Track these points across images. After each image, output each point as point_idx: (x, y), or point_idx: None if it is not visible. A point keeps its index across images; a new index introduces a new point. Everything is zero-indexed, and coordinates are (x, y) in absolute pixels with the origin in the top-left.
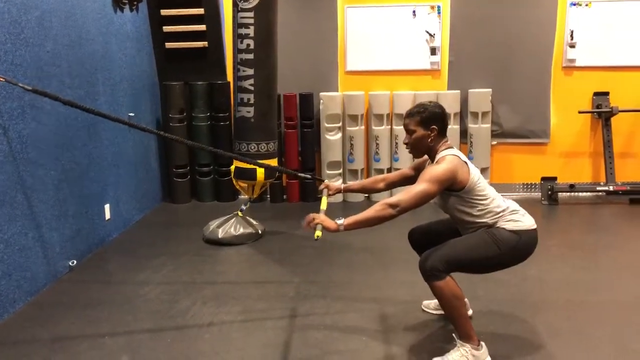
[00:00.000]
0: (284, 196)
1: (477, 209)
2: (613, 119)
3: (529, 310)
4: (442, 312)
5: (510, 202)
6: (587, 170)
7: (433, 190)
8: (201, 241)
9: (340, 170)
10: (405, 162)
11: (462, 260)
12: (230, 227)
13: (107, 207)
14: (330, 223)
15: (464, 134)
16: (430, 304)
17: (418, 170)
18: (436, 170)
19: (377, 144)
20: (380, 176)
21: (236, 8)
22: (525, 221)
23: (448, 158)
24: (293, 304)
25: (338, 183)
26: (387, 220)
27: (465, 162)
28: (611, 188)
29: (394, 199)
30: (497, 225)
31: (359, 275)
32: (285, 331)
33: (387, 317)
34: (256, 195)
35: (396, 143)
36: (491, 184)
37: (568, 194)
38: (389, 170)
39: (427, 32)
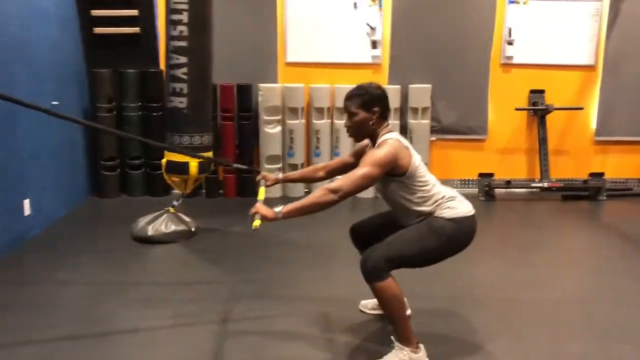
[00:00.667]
0: (220, 191)
1: (418, 195)
2: (548, 117)
3: (466, 309)
4: (379, 312)
5: (448, 189)
6: (522, 167)
7: (375, 173)
8: (130, 239)
9: (280, 165)
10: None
11: (403, 256)
12: (160, 224)
13: (26, 202)
14: (267, 211)
15: (404, 129)
16: (368, 304)
17: (359, 156)
18: (378, 153)
19: (317, 138)
20: (320, 165)
21: None
22: (462, 207)
23: (390, 142)
24: (227, 306)
25: (275, 174)
26: (329, 207)
27: (407, 147)
28: (545, 185)
29: (334, 184)
30: (436, 214)
31: (298, 274)
32: (218, 336)
33: (326, 318)
34: (189, 190)
35: (337, 137)
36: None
37: (504, 190)
38: None
39: (368, 25)
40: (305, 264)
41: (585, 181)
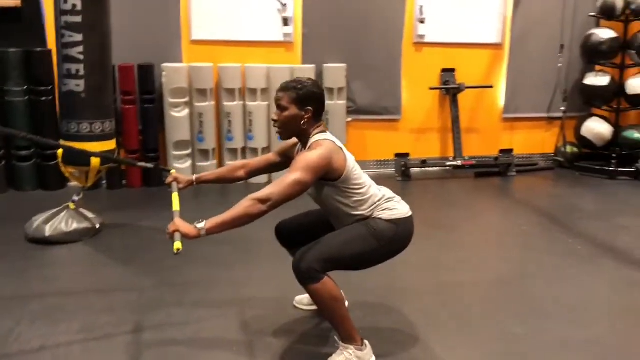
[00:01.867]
0: (123, 181)
1: (354, 199)
2: (459, 96)
3: (402, 297)
4: (314, 306)
5: (385, 190)
6: (436, 146)
7: (307, 179)
8: (24, 241)
9: (190, 151)
10: (261, 141)
11: (340, 258)
12: (60, 222)
13: None
14: (188, 228)
15: None
16: (304, 300)
17: (284, 155)
18: (310, 157)
19: (229, 122)
20: (239, 163)
21: None
22: (400, 209)
23: (323, 143)
24: (145, 314)
25: (187, 176)
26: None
27: (341, 149)
28: (459, 163)
29: (263, 193)
30: (374, 216)
31: (221, 273)
32: (136, 349)
33: (257, 320)
34: (91, 183)
35: (250, 120)
36: None
37: (420, 169)
38: (243, 150)
39: (279, 1)
40: (228, 262)
41: (496, 158)
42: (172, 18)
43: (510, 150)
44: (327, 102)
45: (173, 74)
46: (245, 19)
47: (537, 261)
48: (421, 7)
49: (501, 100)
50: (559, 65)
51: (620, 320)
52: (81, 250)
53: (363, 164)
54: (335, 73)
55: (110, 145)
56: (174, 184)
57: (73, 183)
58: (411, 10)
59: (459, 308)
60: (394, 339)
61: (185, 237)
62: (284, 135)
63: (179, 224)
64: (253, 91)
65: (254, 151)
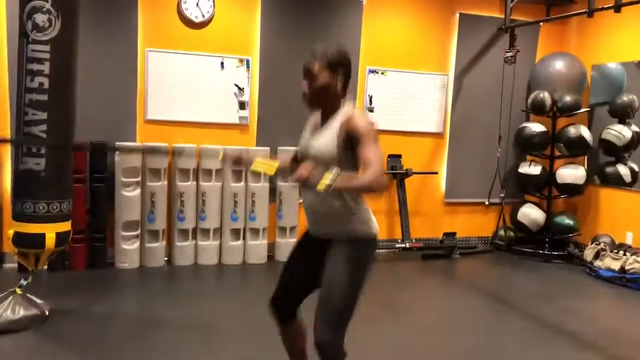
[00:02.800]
0: (66, 262)
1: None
2: (405, 180)
3: None
4: None
5: None
6: (383, 228)
7: (379, 147)
8: None
9: (138, 232)
10: (213, 222)
11: (348, 309)
12: (6, 309)
13: None
14: (317, 177)
15: (272, 192)
16: None
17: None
18: (371, 127)
19: (182, 202)
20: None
21: (26, 39)
22: (376, 224)
23: (360, 112)
24: None
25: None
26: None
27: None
28: (407, 245)
29: (375, 175)
30: (355, 223)
31: None
32: None
33: None
34: (42, 265)
35: (203, 200)
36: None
37: None
38: (194, 231)
39: (237, 85)
40: (195, 350)
41: (441, 241)
42: (129, 98)
43: (454, 234)
44: (280, 183)
45: (127, 153)
46: (202, 101)
47: (497, 345)
48: (370, 96)
49: (443, 186)
50: (498, 155)
51: None
52: (30, 339)
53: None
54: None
55: (67, 226)
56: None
57: (11, 264)
58: (361, 99)
59: None
60: None
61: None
62: (314, 104)
63: (309, 170)
64: (208, 172)
65: (206, 232)
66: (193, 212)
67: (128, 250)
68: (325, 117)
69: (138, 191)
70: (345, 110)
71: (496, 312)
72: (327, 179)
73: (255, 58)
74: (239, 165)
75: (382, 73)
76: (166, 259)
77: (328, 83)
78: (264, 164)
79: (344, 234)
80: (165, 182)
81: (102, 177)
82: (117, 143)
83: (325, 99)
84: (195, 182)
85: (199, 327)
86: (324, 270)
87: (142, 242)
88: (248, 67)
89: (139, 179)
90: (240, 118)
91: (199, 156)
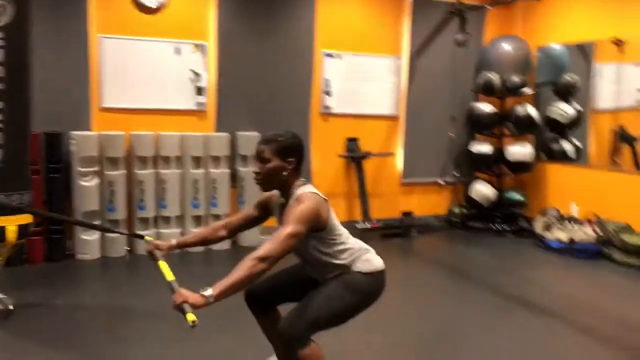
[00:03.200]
0: (23, 256)
1: (335, 248)
2: (364, 162)
3: None
4: None
5: (359, 241)
6: (343, 210)
7: (301, 231)
8: None
9: (98, 222)
10: (174, 209)
11: (323, 318)
12: None
13: None
14: (196, 298)
15: (233, 177)
16: None
17: (263, 209)
18: (302, 209)
19: (141, 190)
20: (220, 223)
21: None
22: (377, 261)
23: (310, 195)
24: None
25: (167, 242)
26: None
27: (326, 200)
28: (368, 225)
29: (262, 251)
30: (353, 268)
31: (164, 352)
32: None
33: None
34: (3, 260)
35: (163, 188)
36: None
37: None
38: (155, 219)
39: (193, 71)
40: (165, 338)
41: (400, 220)
42: (82, 86)
43: (411, 213)
44: (241, 168)
45: (83, 142)
46: (159, 88)
47: (463, 314)
48: (327, 80)
49: (399, 167)
50: (451, 135)
51: None
52: None
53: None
54: (249, 141)
55: (28, 218)
56: (157, 252)
57: None
58: (318, 83)
59: None
60: None
61: (193, 307)
62: (266, 187)
63: (185, 293)
64: (166, 159)
65: (167, 220)
66: (153, 200)
67: (88, 241)
68: (285, 199)
69: (96, 181)
70: (296, 195)
71: (457, 285)
72: (192, 315)
73: (212, 43)
74: (153, 256)
75: (338, 56)
76: (127, 248)
77: (279, 167)
78: (166, 270)
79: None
80: (124, 171)
81: (58, 167)
82: (72, 132)
83: (277, 182)
84: (154, 170)
85: (168, 315)
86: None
87: (176, 240)
88: (204, 52)
89: (96, 168)
90: (198, 104)
91: (157, 143)
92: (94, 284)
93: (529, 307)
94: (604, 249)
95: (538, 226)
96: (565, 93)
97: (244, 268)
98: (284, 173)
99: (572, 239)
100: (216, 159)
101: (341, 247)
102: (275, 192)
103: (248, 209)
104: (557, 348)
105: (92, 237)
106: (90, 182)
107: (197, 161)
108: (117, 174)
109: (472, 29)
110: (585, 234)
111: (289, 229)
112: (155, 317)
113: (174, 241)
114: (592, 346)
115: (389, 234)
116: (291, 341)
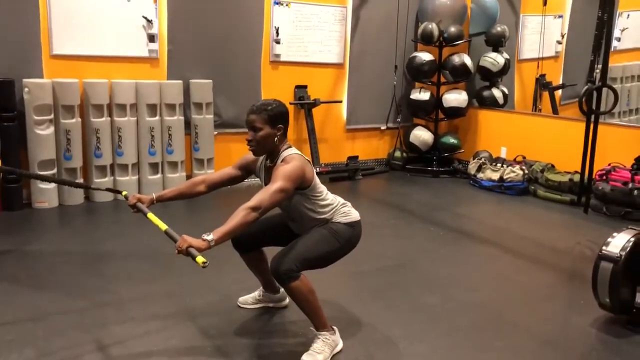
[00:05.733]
0: None
1: (318, 204)
2: (313, 109)
3: (322, 287)
4: (261, 304)
5: (338, 197)
6: None
7: (289, 187)
8: None
9: (55, 170)
10: (131, 157)
11: (311, 258)
12: None
13: None
14: (198, 242)
15: (187, 125)
16: (248, 299)
17: (245, 169)
18: (289, 168)
19: (97, 138)
20: (199, 178)
21: None
22: (354, 213)
23: (296, 157)
24: (98, 332)
25: (147, 195)
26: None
27: (309, 161)
28: (318, 170)
29: (254, 202)
30: (334, 220)
31: (150, 288)
32: None
33: (213, 325)
34: None
35: (119, 136)
36: None
37: None
38: (112, 166)
39: (145, 17)
40: (148, 276)
41: (346, 164)
42: (31, 31)
43: (356, 157)
44: (195, 116)
45: (37, 90)
46: (110, 34)
47: (415, 247)
48: (277, 28)
49: (344, 114)
50: (394, 83)
51: (495, 283)
52: None
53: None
54: (202, 88)
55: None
56: (140, 205)
57: None
58: (268, 32)
59: (378, 290)
60: (338, 326)
61: (198, 250)
62: (258, 153)
63: (189, 239)
64: (122, 107)
65: (124, 167)
66: (109, 148)
67: (45, 189)
68: (272, 161)
69: (51, 129)
70: (285, 154)
71: (404, 221)
72: (201, 257)
73: None
74: (137, 209)
75: (287, 5)
76: (85, 196)
77: (270, 134)
78: (157, 220)
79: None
80: (79, 119)
81: (11, 115)
82: (24, 80)
83: (268, 148)
84: (109, 118)
85: (145, 255)
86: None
87: (156, 194)
88: None
89: (51, 116)
90: (150, 51)
91: (111, 91)
92: (61, 231)
93: (469, 238)
94: (530, 186)
95: (472, 167)
96: (496, 43)
97: (238, 216)
98: (275, 139)
99: (502, 178)
100: (171, 107)
101: (322, 202)
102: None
103: (228, 168)
104: (499, 270)
105: (49, 185)
106: (46, 131)
107: (152, 109)
108: (73, 122)
109: None
110: (514, 173)
111: (277, 184)
112: (135, 257)
113: (153, 195)
114: (527, 268)
115: (337, 177)
116: (280, 275)
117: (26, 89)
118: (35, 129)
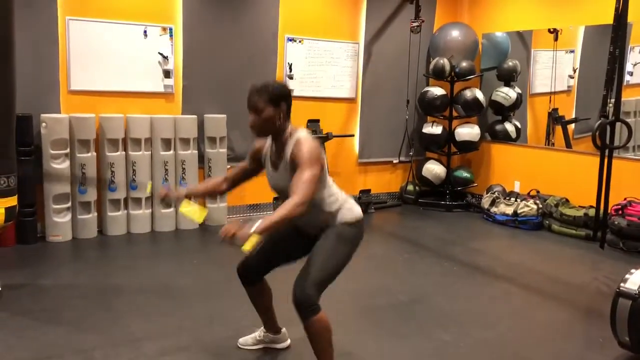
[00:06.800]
0: None
1: (326, 193)
2: (326, 143)
3: (339, 322)
4: (261, 345)
5: (341, 189)
6: None
7: (318, 170)
8: None
9: (69, 204)
10: (144, 190)
11: (327, 275)
12: None
13: None
14: (242, 230)
15: (201, 159)
16: (248, 340)
17: (255, 160)
18: (309, 152)
19: (112, 172)
20: (220, 178)
21: None
22: (357, 209)
23: (310, 137)
24: None
25: (176, 191)
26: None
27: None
28: None
29: (297, 197)
30: (339, 218)
31: (160, 322)
32: None
33: None
34: None
35: (134, 170)
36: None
37: None
38: (125, 200)
39: (161, 54)
40: (161, 309)
41: (359, 197)
42: (50, 68)
43: (369, 190)
44: (209, 150)
45: (54, 124)
46: (127, 70)
47: (429, 282)
48: (290, 64)
49: (356, 147)
50: (406, 117)
51: (510, 320)
52: None
53: (241, 208)
54: (216, 123)
55: (14, 201)
56: (171, 198)
57: None
58: (281, 67)
59: (392, 325)
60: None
61: (242, 238)
62: (262, 134)
63: (232, 226)
64: (137, 141)
65: (138, 201)
66: (124, 182)
67: (60, 223)
68: (278, 146)
69: (67, 163)
70: (294, 138)
71: (417, 256)
72: (251, 242)
73: (178, 26)
74: (166, 202)
75: (300, 41)
76: (99, 230)
77: (272, 115)
78: (191, 209)
79: (331, 225)
80: (95, 153)
81: (29, 150)
82: (42, 115)
83: (272, 129)
84: (124, 152)
85: (155, 289)
86: (312, 247)
87: (73, 214)
88: (171, 35)
89: (67, 150)
90: (165, 87)
91: (126, 125)
92: (75, 264)
93: (484, 273)
94: (544, 221)
95: (485, 202)
96: (508, 77)
97: (285, 210)
98: (279, 119)
99: (516, 212)
100: (185, 141)
101: (330, 191)
102: (263, 142)
103: (243, 162)
104: (514, 306)
105: (63, 219)
106: (62, 165)
107: (167, 143)
108: (88, 156)
109: (425, 16)
110: (528, 207)
111: (308, 172)
112: (145, 292)
113: (183, 190)
114: (543, 304)
115: None
116: (306, 308)
117: (44, 124)
118: (51, 162)
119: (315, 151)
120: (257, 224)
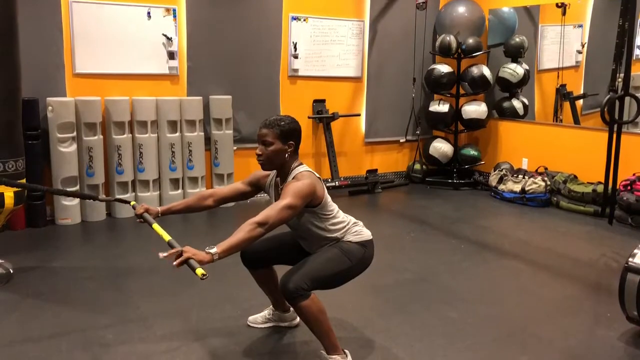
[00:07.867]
0: (5, 222)
1: (329, 222)
2: (332, 123)
3: (344, 299)
4: (271, 324)
5: (349, 216)
6: (312, 169)
7: (298, 204)
8: None
9: (77, 187)
10: (152, 173)
11: (322, 276)
12: None
13: None
14: (202, 255)
15: (207, 141)
16: (257, 319)
17: (254, 185)
18: (299, 185)
19: (119, 155)
20: (207, 192)
21: None
22: (366, 232)
23: (306, 174)
24: (118, 349)
25: (154, 207)
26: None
27: (319, 179)
28: (337, 183)
29: (261, 217)
30: (345, 239)
31: (170, 302)
32: None
33: (225, 346)
34: (1, 224)
35: (140, 152)
36: None
37: None
38: (133, 182)
39: (165, 35)
40: (174, 290)
41: (366, 177)
42: (55, 51)
43: (375, 170)
44: (215, 132)
45: (60, 108)
46: (131, 52)
47: (436, 260)
48: (295, 43)
49: (363, 127)
50: (413, 95)
51: (518, 296)
52: (4, 297)
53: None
54: (221, 104)
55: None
56: (147, 215)
57: None
58: (286, 47)
59: (400, 303)
60: (360, 340)
61: (200, 263)
62: (267, 168)
63: (191, 250)
64: (143, 123)
65: (145, 183)
66: (131, 164)
67: (69, 206)
68: (282, 179)
69: (74, 146)
70: (296, 171)
71: (425, 234)
72: (201, 269)
73: (182, 7)
74: (144, 218)
75: (304, 20)
76: (107, 212)
77: (280, 150)
78: (161, 231)
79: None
80: (101, 136)
81: (35, 134)
82: (48, 99)
83: (278, 163)
84: (130, 135)
85: (164, 271)
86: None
87: (161, 207)
88: (175, 16)
89: (74, 134)
90: (170, 68)
91: (132, 108)
92: (85, 247)
93: (491, 251)
94: (552, 198)
95: (493, 179)
96: (515, 53)
97: (244, 231)
98: (285, 155)
99: (523, 189)
100: (191, 123)
101: (333, 220)
102: (270, 172)
103: (238, 183)
104: (522, 283)
105: (72, 202)
106: (69, 148)
107: (173, 125)
108: (95, 139)
109: None
110: (536, 184)
111: (286, 201)
112: (158, 273)
113: (159, 208)
114: (551, 280)
115: (356, 190)
116: (290, 293)
117: (50, 108)
118: (58, 146)
119: (305, 188)
120: (215, 249)
